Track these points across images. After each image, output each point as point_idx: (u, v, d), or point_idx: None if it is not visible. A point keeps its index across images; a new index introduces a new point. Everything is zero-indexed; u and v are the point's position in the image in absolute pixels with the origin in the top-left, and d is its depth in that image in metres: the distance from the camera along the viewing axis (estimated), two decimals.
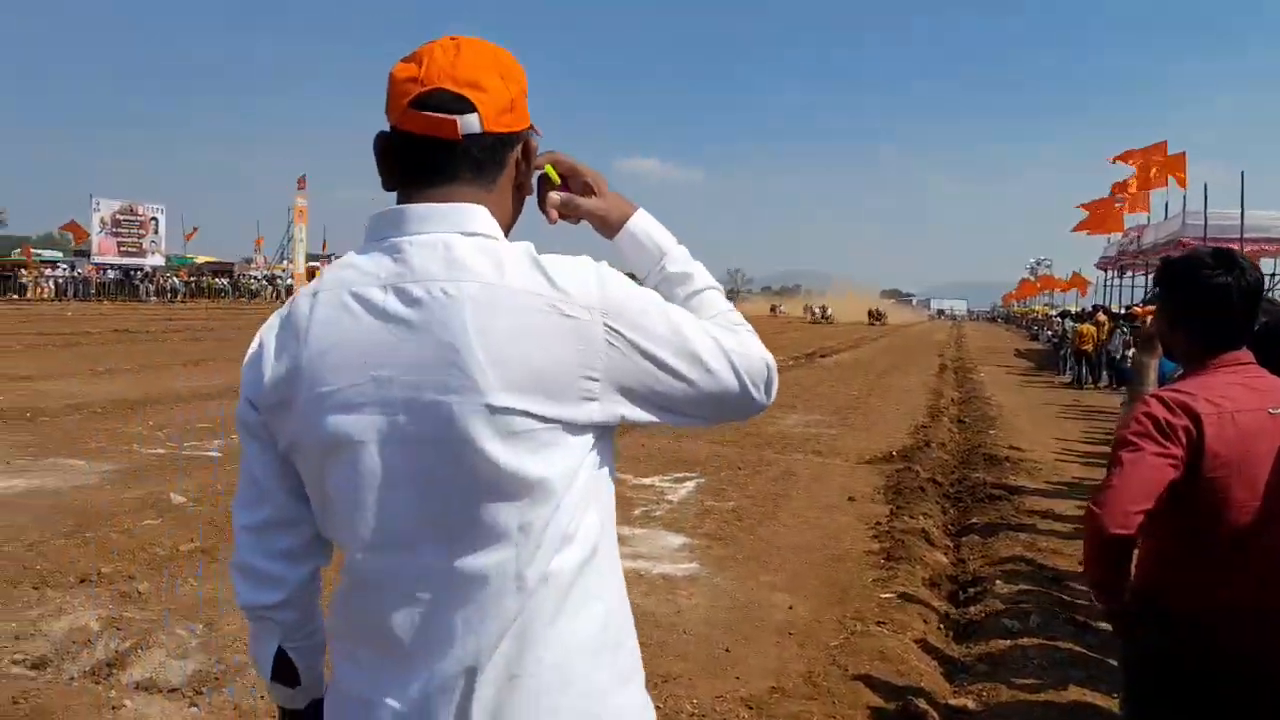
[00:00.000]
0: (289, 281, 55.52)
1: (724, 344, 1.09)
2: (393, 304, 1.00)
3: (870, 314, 63.56)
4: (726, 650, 4.01)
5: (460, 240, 1.02)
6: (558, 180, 1.21)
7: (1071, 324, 21.94)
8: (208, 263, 57.28)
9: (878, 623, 4.38)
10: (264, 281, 55.15)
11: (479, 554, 0.99)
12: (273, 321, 1.07)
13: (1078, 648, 4.12)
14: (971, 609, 4.84)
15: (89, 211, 47.68)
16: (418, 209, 1.05)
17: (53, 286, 43.37)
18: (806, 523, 6.35)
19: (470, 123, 1.04)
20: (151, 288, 46.76)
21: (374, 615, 1.03)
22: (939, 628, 4.57)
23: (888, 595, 4.79)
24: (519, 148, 1.11)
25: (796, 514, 6.59)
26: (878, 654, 3.97)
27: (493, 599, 0.99)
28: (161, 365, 15.00)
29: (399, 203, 1.07)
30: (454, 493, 0.99)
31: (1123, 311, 22.64)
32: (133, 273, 47.72)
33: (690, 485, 7.42)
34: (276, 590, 1.11)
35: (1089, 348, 19.32)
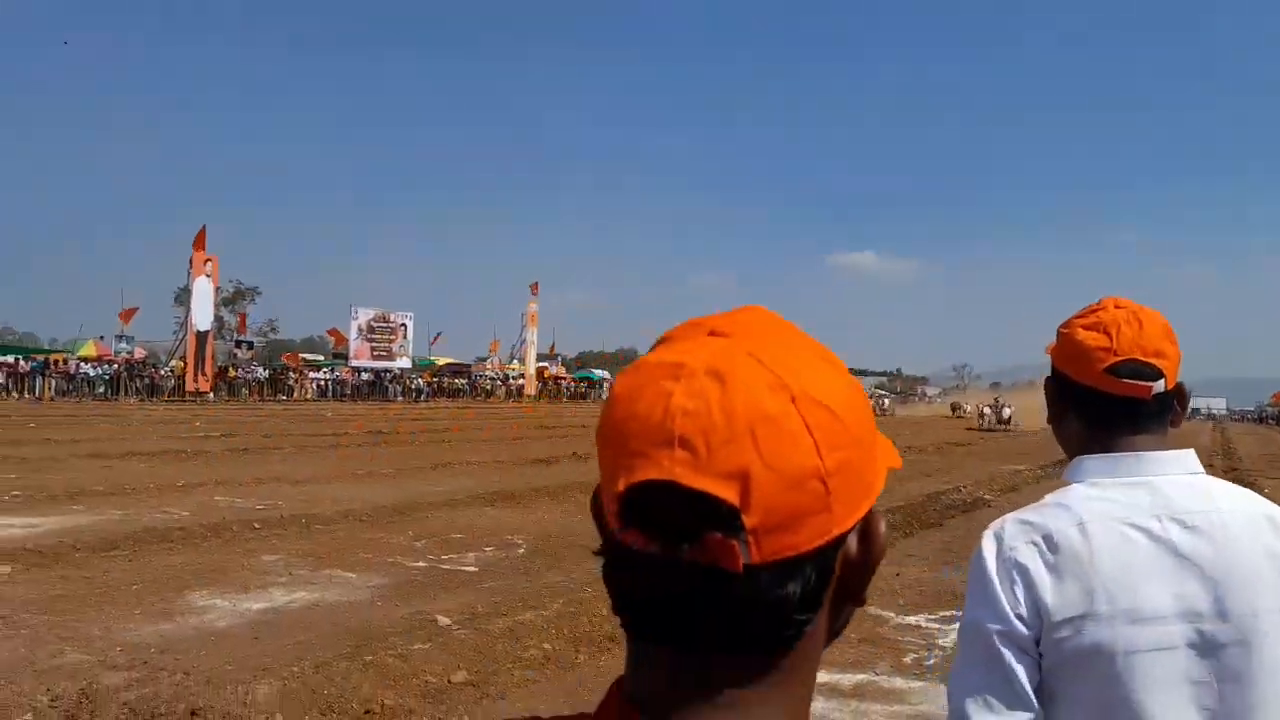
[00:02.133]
0: (520, 381, 58.44)
1: None
2: (1174, 532, 1.23)
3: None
4: None
5: (1198, 478, 1.30)
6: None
7: None
8: (447, 364, 61.28)
9: None
10: (498, 381, 58.26)
11: None
12: (1018, 546, 1.25)
13: None
14: None
15: (348, 319, 52.45)
16: (1158, 455, 1.31)
17: (315, 388, 47.75)
18: None
19: (1159, 385, 1.31)
20: (399, 388, 50.49)
21: None
22: None
23: None
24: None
25: None
26: None
27: None
28: (413, 469, 15.89)
29: (1096, 449, 1.34)
30: (1250, 687, 1.19)
31: None
32: (383, 374, 51.77)
33: None
34: None
35: None
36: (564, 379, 65.65)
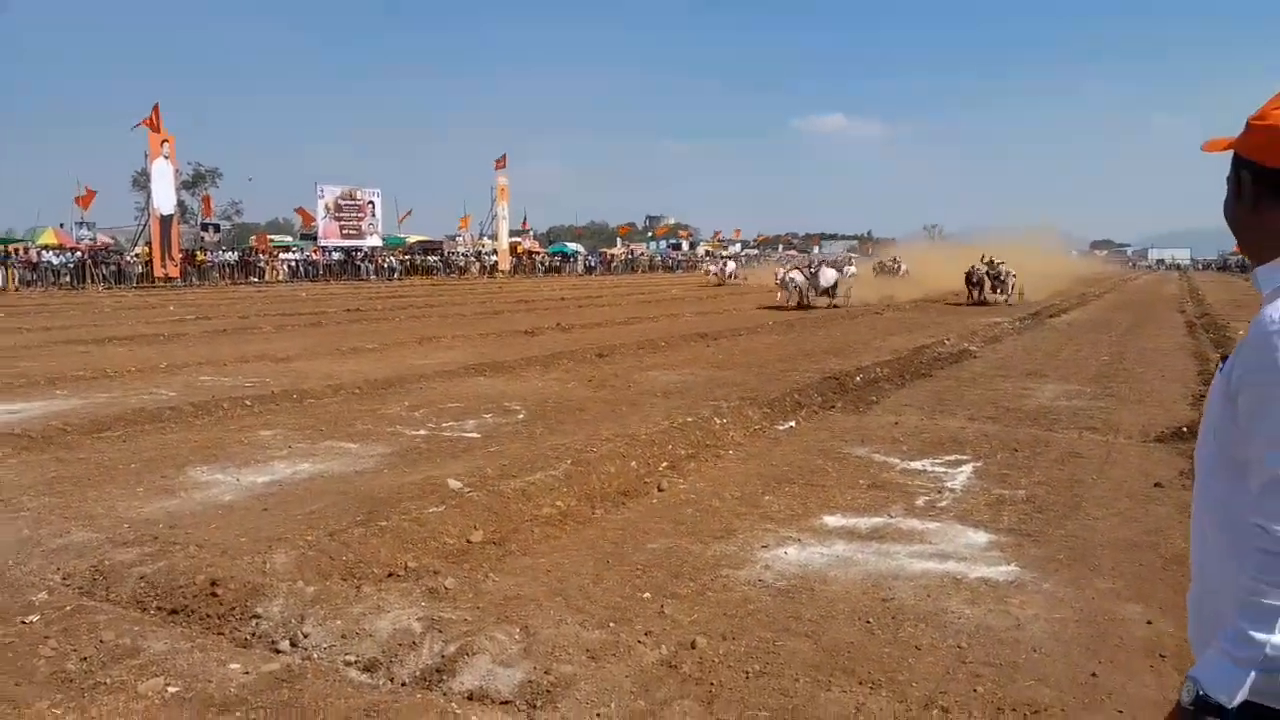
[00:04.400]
0: (493, 258, 57.60)
1: None
2: None
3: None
4: (1093, 675, 3.49)
5: None
6: None
7: None
8: (418, 242, 60.11)
9: None
10: (471, 258, 57.40)
11: None
12: None
13: None
14: None
15: (314, 199, 51.02)
16: None
17: (286, 269, 46.82)
18: (1119, 515, 5.64)
19: None
20: (371, 267, 49.64)
21: None
22: None
23: None
24: None
25: (1103, 504, 5.89)
26: None
27: None
28: (398, 343, 15.65)
29: None
30: None
31: None
32: (354, 253, 50.77)
33: (967, 469, 6.83)
34: None
35: None
36: (538, 254, 64.79)
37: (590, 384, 11.09)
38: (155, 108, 39.25)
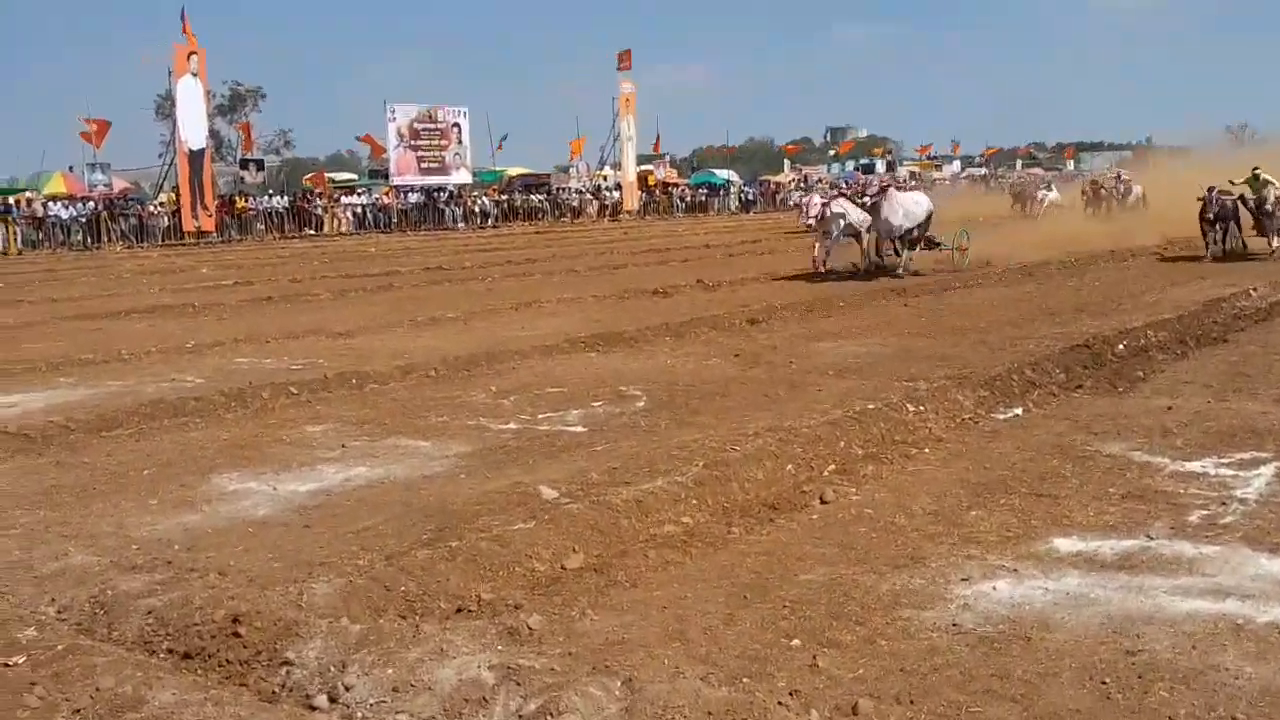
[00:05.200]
0: (616, 195, 58.18)
1: None
2: None
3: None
4: None
5: None
6: None
7: None
8: (519, 175, 61.32)
9: None
10: (587, 195, 58.17)
11: None
12: None
13: None
14: None
15: (384, 123, 52.66)
16: None
17: (351, 217, 48.63)
18: None
19: None
20: (459, 211, 51.02)
21: None
22: None
23: None
24: None
25: None
26: None
27: None
28: (488, 310, 16.13)
29: None
30: None
31: None
32: (435, 194, 52.25)
33: (1267, 472, 6.55)
34: None
35: None
36: (676, 186, 65.11)
37: (738, 360, 11.14)
38: (182, 14, 41.36)
